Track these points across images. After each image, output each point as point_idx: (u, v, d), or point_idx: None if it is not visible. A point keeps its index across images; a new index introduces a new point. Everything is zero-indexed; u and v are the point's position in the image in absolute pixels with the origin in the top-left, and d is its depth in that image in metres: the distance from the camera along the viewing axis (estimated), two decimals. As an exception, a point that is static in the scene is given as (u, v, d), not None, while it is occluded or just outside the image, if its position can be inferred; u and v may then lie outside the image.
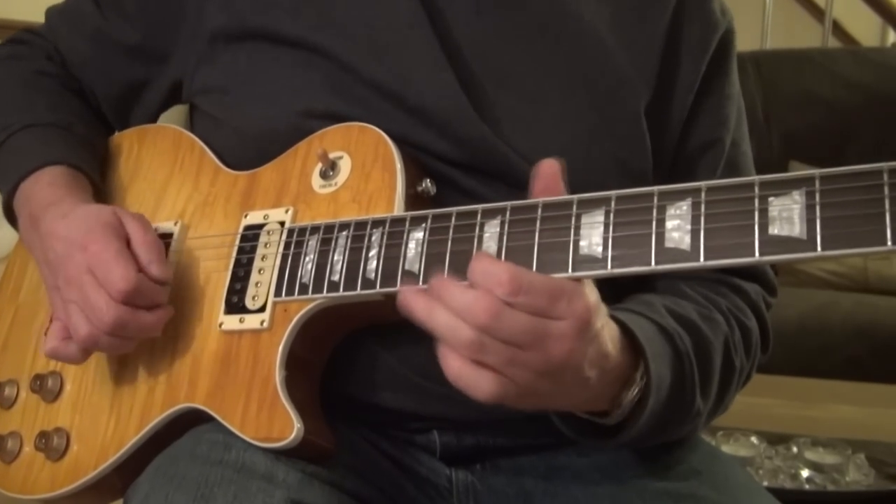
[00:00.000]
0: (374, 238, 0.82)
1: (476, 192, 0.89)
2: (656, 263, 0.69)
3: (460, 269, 0.74)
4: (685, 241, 0.68)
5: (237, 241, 0.92)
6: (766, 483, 1.83)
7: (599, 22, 0.96)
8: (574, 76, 0.94)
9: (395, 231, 0.81)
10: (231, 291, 0.89)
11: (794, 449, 1.93)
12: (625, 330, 0.79)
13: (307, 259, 0.85)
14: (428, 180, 0.88)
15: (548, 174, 0.75)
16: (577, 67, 0.94)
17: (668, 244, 0.68)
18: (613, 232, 0.71)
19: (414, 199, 0.86)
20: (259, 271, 0.89)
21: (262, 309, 0.87)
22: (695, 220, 0.68)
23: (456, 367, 0.70)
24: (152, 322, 0.88)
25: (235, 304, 0.89)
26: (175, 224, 0.97)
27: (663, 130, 0.96)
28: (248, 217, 0.93)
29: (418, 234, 0.79)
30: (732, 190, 0.67)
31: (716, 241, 0.67)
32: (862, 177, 0.62)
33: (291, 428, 0.82)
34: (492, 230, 0.76)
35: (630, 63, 0.95)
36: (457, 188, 0.90)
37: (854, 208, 0.62)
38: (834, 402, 2.32)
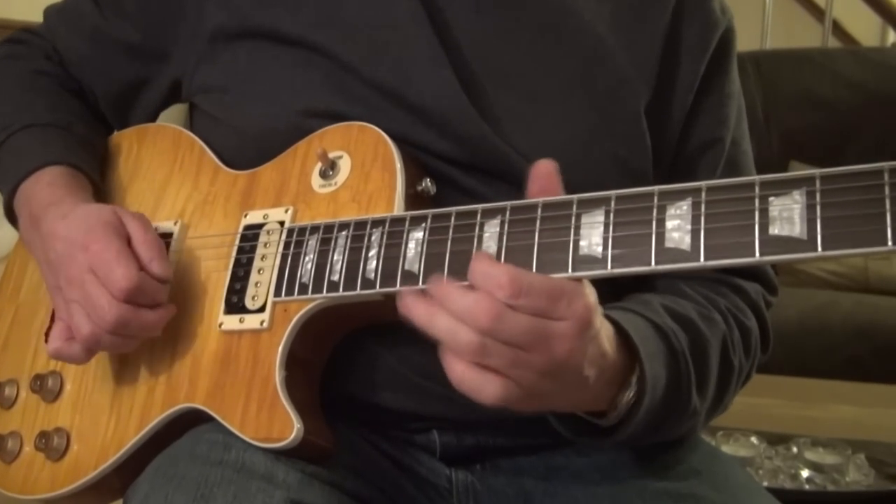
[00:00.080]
0: (373, 238, 0.82)
1: (476, 191, 0.89)
2: (656, 263, 0.69)
3: (460, 269, 0.74)
4: (685, 241, 0.68)
5: (237, 241, 0.92)
6: (766, 483, 1.83)
7: (599, 21, 0.96)
8: (574, 75, 0.94)
9: (395, 231, 0.81)
10: (231, 291, 0.89)
11: (794, 449, 1.93)
12: (619, 330, 0.79)
13: (307, 259, 0.85)
14: (428, 180, 0.88)
15: (544, 175, 0.75)
16: (576, 66, 0.94)
17: (669, 244, 0.68)
18: (613, 232, 0.70)
19: (414, 199, 0.86)
20: (259, 271, 0.89)
21: (261, 309, 0.87)
22: (695, 220, 0.68)
23: (459, 371, 0.70)
24: (154, 320, 0.88)
25: (235, 304, 0.89)
26: (175, 224, 0.97)
27: (663, 130, 0.96)
28: (247, 217, 0.93)
29: (418, 234, 0.79)
30: (733, 190, 0.67)
31: (716, 241, 0.67)
32: (862, 176, 0.62)
33: (291, 428, 0.82)
34: (491, 230, 0.75)
35: (630, 62, 0.95)
36: (457, 187, 0.90)
37: (854, 208, 0.62)
38: (834, 402, 2.32)
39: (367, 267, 0.81)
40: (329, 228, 0.85)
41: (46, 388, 0.97)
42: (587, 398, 0.78)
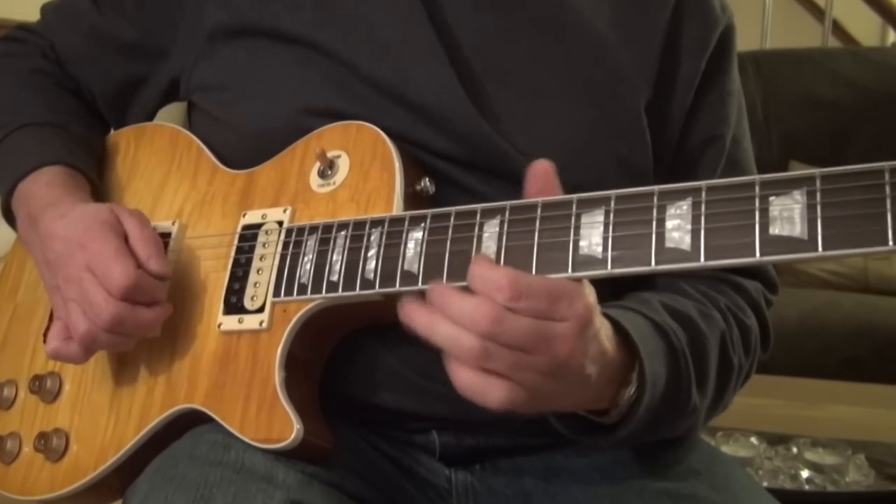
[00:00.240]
0: (372, 238, 0.81)
1: (476, 189, 0.89)
2: (656, 263, 0.69)
3: (459, 269, 0.74)
4: (685, 241, 0.67)
5: (235, 241, 0.92)
6: (765, 483, 1.83)
7: (599, 18, 0.96)
8: (574, 73, 0.94)
9: (394, 231, 0.81)
10: (230, 291, 0.89)
11: (794, 449, 1.93)
12: (618, 328, 0.79)
13: (306, 259, 0.85)
14: (427, 179, 0.87)
15: (541, 174, 0.75)
16: (576, 64, 0.94)
17: (669, 244, 0.68)
18: (613, 232, 0.70)
19: (413, 199, 0.86)
20: (258, 271, 0.88)
21: (260, 309, 0.87)
22: (695, 220, 0.67)
23: (463, 377, 0.70)
24: (151, 318, 0.88)
25: (234, 305, 0.88)
26: (173, 223, 0.97)
27: (663, 127, 0.96)
28: (246, 216, 0.93)
29: (417, 234, 0.79)
30: (733, 189, 0.67)
31: (716, 240, 0.66)
32: (863, 176, 0.62)
33: (291, 429, 0.82)
34: (491, 230, 0.75)
35: (630, 60, 0.95)
36: (456, 185, 0.90)
37: (855, 208, 0.62)
38: (834, 403, 2.31)
39: (367, 267, 0.81)
40: (328, 228, 0.85)
41: (45, 388, 0.97)
42: (588, 397, 0.78)
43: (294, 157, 0.93)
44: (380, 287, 0.80)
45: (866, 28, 4.43)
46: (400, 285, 0.78)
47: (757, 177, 0.66)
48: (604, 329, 0.75)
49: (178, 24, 1.02)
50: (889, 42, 4.54)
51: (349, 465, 0.88)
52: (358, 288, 0.81)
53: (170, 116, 1.11)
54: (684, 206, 0.68)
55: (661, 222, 0.69)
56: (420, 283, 0.77)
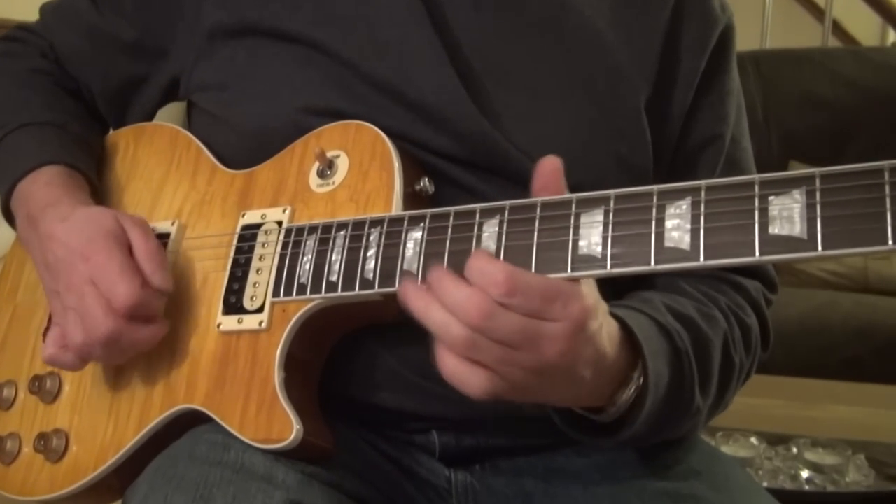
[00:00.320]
0: (372, 238, 0.81)
1: (476, 188, 0.89)
2: (656, 263, 0.68)
3: (459, 268, 0.74)
4: (685, 241, 0.67)
5: (235, 241, 0.92)
6: (765, 484, 1.83)
7: (599, 18, 0.96)
8: (574, 72, 0.94)
9: (394, 231, 0.80)
10: (229, 292, 0.89)
11: (794, 449, 1.93)
12: (623, 326, 0.79)
13: (305, 259, 0.85)
14: (426, 179, 0.87)
15: (548, 171, 0.75)
16: (576, 63, 0.94)
17: (668, 243, 0.68)
18: (613, 231, 0.70)
19: (412, 198, 0.86)
20: (257, 271, 0.88)
21: (260, 309, 0.87)
22: (694, 220, 0.67)
23: (450, 364, 0.71)
24: (147, 336, 0.88)
25: (233, 305, 0.88)
26: (172, 224, 0.97)
27: (663, 126, 0.96)
28: (245, 216, 0.92)
29: (417, 234, 0.79)
30: (732, 189, 0.67)
31: (716, 240, 0.66)
32: (862, 175, 0.62)
33: (291, 429, 0.82)
34: (490, 230, 0.75)
35: (630, 59, 0.95)
36: (456, 185, 0.90)
37: (855, 207, 0.61)
38: (834, 403, 2.32)
39: (366, 267, 0.81)
40: (327, 228, 0.85)
41: (45, 389, 0.97)
42: (582, 394, 0.78)
43: (293, 157, 0.93)
44: (379, 287, 0.79)
45: (866, 28, 4.43)
46: (399, 285, 0.78)
47: (756, 176, 0.66)
48: (607, 328, 0.75)
49: (178, 24, 1.02)
50: (889, 42, 4.54)
51: (349, 466, 0.88)
52: (357, 288, 0.81)
53: (169, 116, 1.11)
54: (684, 205, 0.68)
55: (660, 222, 0.69)
56: (419, 283, 0.77)
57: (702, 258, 0.67)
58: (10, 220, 1.01)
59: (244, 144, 0.96)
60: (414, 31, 0.92)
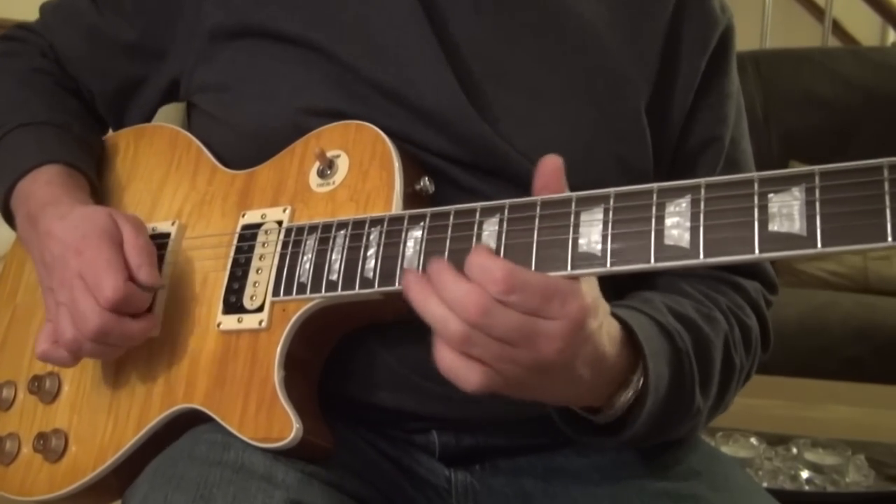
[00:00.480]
0: (372, 237, 0.81)
1: (477, 189, 0.89)
2: (656, 261, 0.68)
3: (459, 268, 0.74)
4: (685, 239, 0.67)
5: (235, 241, 0.92)
6: (765, 484, 1.83)
7: (599, 19, 0.96)
8: (574, 74, 0.94)
9: (394, 230, 0.80)
10: (229, 291, 0.89)
11: (794, 450, 1.93)
12: (624, 326, 0.79)
13: (305, 258, 0.85)
14: (426, 178, 0.87)
15: (549, 171, 0.75)
16: (576, 65, 0.94)
17: (668, 241, 0.68)
18: (612, 229, 0.70)
19: (412, 198, 0.86)
20: (257, 271, 0.88)
21: (260, 309, 0.87)
22: (694, 218, 0.67)
23: (446, 358, 0.71)
24: (137, 331, 0.88)
25: (233, 304, 0.88)
26: (172, 224, 0.97)
27: (663, 128, 0.96)
28: (245, 216, 0.92)
29: (417, 233, 0.79)
30: (732, 187, 0.67)
31: (715, 237, 0.66)
32: (862, 173, 0.62)
33: (290, 428, 0.82)
34: (490, 228, 0.75)
35: (630, 60, 0.95)
36: (457, 186, 0.90)
37: (854, 204, 0.61)
38: (834, 403, 2.31)
39: (366, 266, 0.81)
40: (327, 228, 0.85)
41: (44, 389, 0.97)
42: (581, 393, 0.78)
43: (293, 157, 0.92)
44: (379, 286, 0.79)
45: (866, 28, 4.43)
46: (399, 284, 0.78)
47: (756, 174, 0.66)
48: (607, 328, 0.75)
49: (177, 24, 1.02)
50: (889, 42, 4.54)
51: (349, 465, 0.88)
52: (357, 287, 0.81)
53: (168, 117, 1.11)
54: (683, 203, 0.68)
55: (660, 220, 0.69)
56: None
57: (701, 256, 0.67)
58: (9, 219, 1.01)
59: (244, 145, 0.96)
60: (413, 33, 0.92)
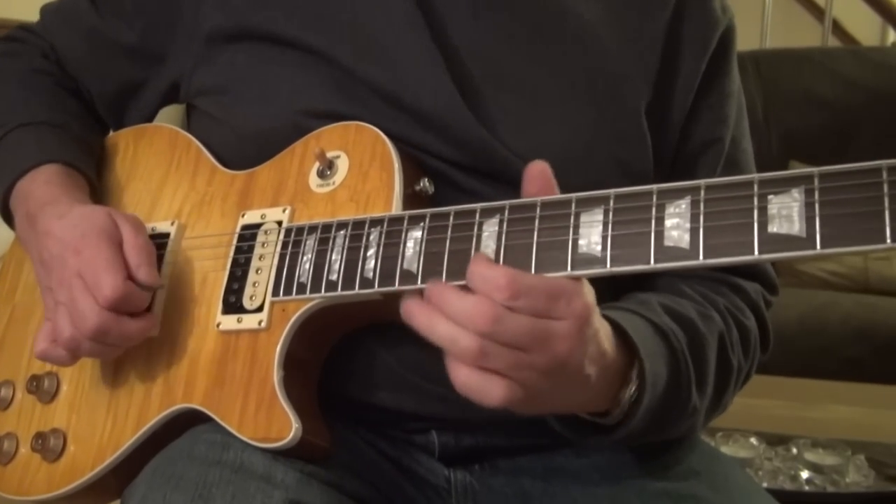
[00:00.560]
0: (371, 237, 0.81)
1: (477, 191, 0.89)
2: (655, 262, 0.68)
3: (459, 268, 0.74)
4: (684, 240, 0.67)
5: (234, 241, 0.92)
6: (765, 484, 1.83)
7: (598, 21, 0.96)
8: (574, 75, 0.94)
9: (394, 230, 0.80)
10: (228, 291, 0.89)
11: (794, 450, 1.93)
12: (617, 329, 0.79)
13: (305, 259, 0.85)
14: (426, 179, 0.87)
15: (538, 175, 0.75)
16: (576, 67, 0.94)
17: (668, 243, 0.68)
18: (612, 230, 0.70)
19: (412, 199, 0.86)
20: (257, 271, 0.88)
21: (259, 309, 0.86)
22: (694, 219, 0.67)
23: (463, 376, 0.71)
24: (135, 330, 0.88)
25: (233, 304, 0.88)
26: (172, 224, 0.97)
27: (664, 129, 0.96)
28: (245, 216, 0.92)
29: (416, 234, 0.79)
30: (732, 188, 0.67)
31: (715, 239, 0.66)
32: (861, 175, 0.62)
33: (290, 428, 0.82)
34: (490, 229, 0.75)
35: (630, 61, 0.95)
36: (458, 188, 0.90)
37: (853, 206, 0.62)
38: (834, 403, 2.32)
39: (366, 266, 0.81)
40: (327, 228, 0.85)
41: (43, 388, 0.97)
42: (589, 396, 0.78)
43: (293, 158, 0.92)
44: (379, 286, 0.79)
45: (866, 28, 4.43)
46: (399, 285, 0.78)
47: (755, 175, 0.66)
48: (603, 330, 0.75)
49: (177, 26, 1.02)
50: (889, 42, 4.54)
51: (348, 465, 0.88)
52: (357, 287, 0.81)
53: (168, 118, 1.11)
54: (683, 204, 0.68)
55: (660, 221, 0.69)
56: (419, 283, 0.77)
57: (701, 257, 0.67)
58: (8, 219, 1.01)
59: (244, 146, 0.96)
60: (410, 36, 0.91)
